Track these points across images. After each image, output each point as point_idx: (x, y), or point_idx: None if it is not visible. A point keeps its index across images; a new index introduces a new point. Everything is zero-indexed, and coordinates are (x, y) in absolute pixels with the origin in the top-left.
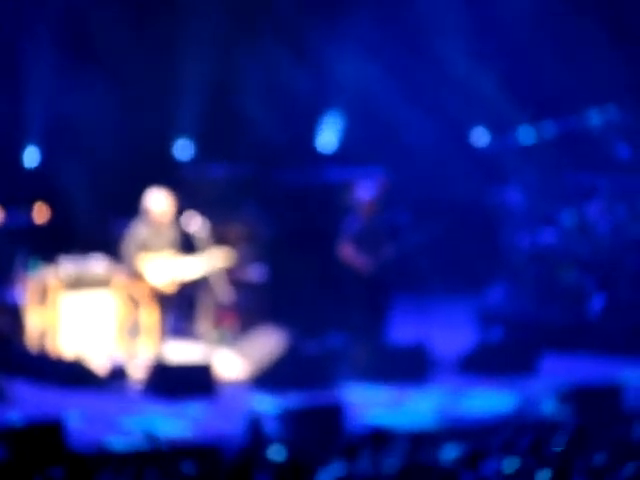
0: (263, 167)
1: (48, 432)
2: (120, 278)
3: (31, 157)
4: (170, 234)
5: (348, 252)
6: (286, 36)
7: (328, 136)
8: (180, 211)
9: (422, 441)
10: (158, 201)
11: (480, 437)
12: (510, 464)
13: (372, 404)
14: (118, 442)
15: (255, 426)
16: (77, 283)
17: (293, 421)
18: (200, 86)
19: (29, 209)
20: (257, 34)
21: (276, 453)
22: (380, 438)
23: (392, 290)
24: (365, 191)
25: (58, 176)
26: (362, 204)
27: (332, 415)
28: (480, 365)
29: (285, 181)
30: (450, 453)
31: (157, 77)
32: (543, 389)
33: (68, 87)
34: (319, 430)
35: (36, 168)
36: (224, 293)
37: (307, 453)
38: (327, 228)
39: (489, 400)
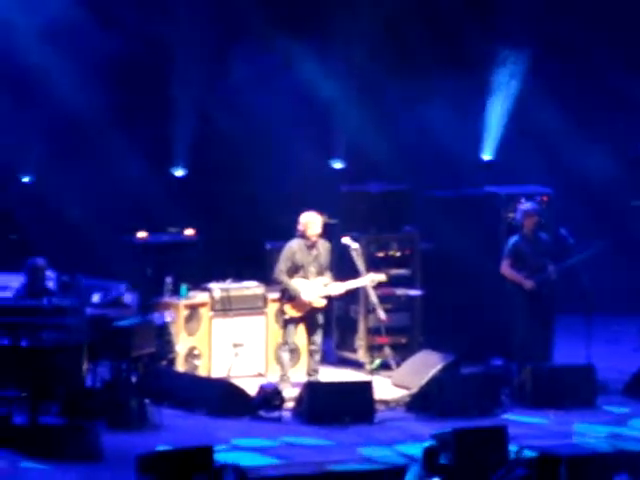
0: (420, 182)
1: (197, 458)
2: (272, 300)
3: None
4: (324, 255)
5: (510, 269)
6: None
7: (490, 150)
8: (336, 230)
9: (590, 466)
10: (312, 222)
11: None
12: None
13: (537, 428)
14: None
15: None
16: (228, 306)
17: (456, 446)
18: (355, 111)
19: (181, 233)
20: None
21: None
22: (547, 462)
23: (556, 309)
24: (528, 207)
25: (209, 199)
26: (524, 220)
27: (497, 439)
28: None
29: (444, 196)
30: None
31: (314, 102)
32: None
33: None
34: (483, 455)
35: (187, 190)
36: (380, 315)
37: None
38: (488, 245)
39: None
